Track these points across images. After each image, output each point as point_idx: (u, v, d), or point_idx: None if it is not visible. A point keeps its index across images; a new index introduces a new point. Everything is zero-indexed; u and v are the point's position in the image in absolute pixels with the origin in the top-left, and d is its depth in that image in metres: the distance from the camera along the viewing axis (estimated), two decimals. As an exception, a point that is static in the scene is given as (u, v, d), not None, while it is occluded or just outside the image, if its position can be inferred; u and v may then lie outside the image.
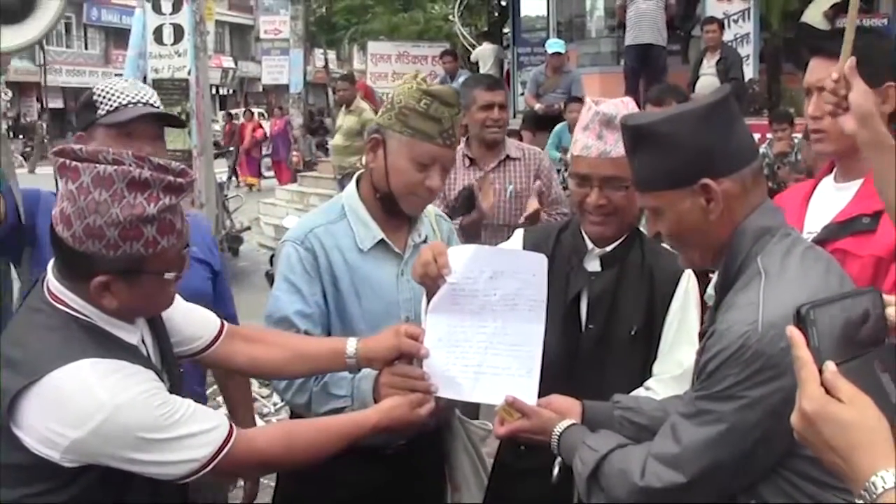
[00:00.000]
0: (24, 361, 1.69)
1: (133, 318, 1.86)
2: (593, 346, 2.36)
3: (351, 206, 2.48)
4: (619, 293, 2.37)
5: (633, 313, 2.35)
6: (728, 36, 11.08)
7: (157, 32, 6.40)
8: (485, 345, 2.17)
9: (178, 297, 1.96)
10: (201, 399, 2.77)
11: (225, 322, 2.16)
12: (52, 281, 1.79)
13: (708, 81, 9.98)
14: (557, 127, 9.69)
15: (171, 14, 6.35)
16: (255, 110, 27.80)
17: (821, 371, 1.22)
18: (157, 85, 6.40)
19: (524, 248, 2.46)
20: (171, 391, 1.83)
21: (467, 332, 2.17)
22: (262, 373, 2.34)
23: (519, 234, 2.57)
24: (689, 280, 2.35)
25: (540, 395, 2.19)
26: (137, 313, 1.87)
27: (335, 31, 27.59)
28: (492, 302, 2.16)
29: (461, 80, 12.66)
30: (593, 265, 2.41)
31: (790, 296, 1.60)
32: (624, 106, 2.33)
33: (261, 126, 21.47)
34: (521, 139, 5.96)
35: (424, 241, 2.50)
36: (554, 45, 10.99)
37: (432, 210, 2.66)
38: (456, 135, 2.38)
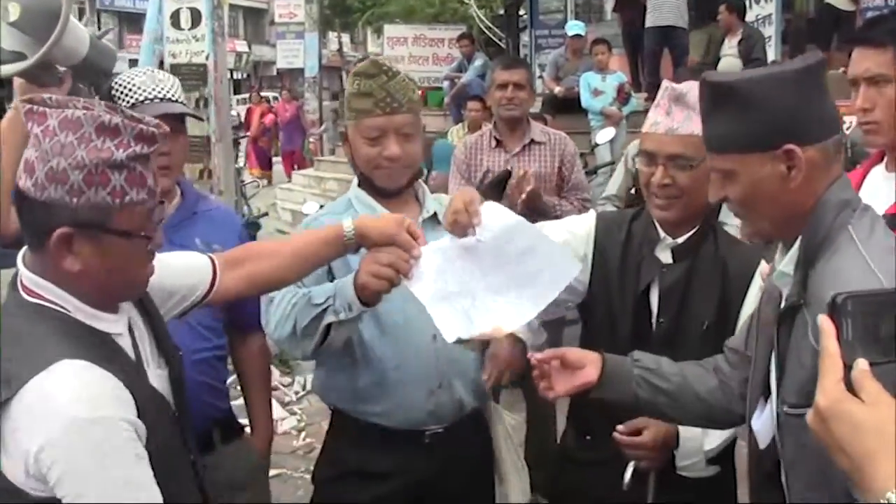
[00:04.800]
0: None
1: (111, 302, 1.71)
2: (664, 339, 2.31)
3: (357, 196, 2.52)
4: (691, 286, 2.32)
5: (706, 307, 2.30)
6: (750, 16, 10.91)
7: (175, 17, 6.31)
8: (474, 293, 2.12)
9: (162, 258, 1.82)
10: (223, 391, 2.72)
11: (213, 257, 2.03)
12: (22, 270, 1.65)
13: (729, 62, 9.84)
14: (584, 74, 9.75)
15: (188, -2, 6.27)
16: (268, 94, 27.37)
17: (850, 368, 1.12)
18: (175, 70, 6.31)
19: (597, 233, 2.45)
20: (172, 376, 1.77)
21: (465, 274, 2.12)
22: (266, 286, 2.16)
23: (592, 216, 2.55)
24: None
25: None
26: (109, 288, 1.68)
27: (350, 13, 27.49)
28: (506, 269, 2.11)
29: (477, 62, 12.68)
30: (665, 255, 2.35)
31: (892, 260, 1.51)
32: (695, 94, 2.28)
33: (271, 111, 20.42)
34: (545, 122, 5.88)
35: (434, 216, 2.49)
36: (574, 27, 10.92)
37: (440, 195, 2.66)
38: (397, 100, 2.38)
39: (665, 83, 2.32)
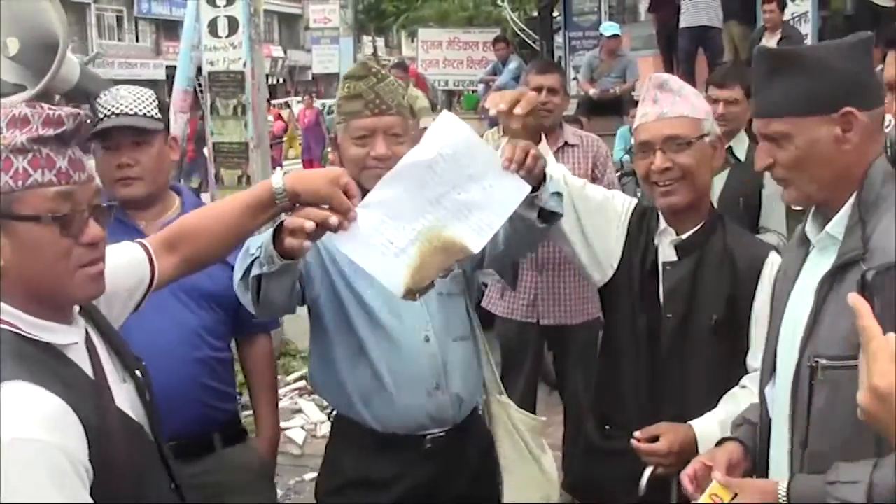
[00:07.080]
0: None
1: (54, 306, 1.58)
2: (674, 334, 2.34)
3: None
4: (698, 281, 2.34)
5: (714, 302, 2.32)
6: (786, 15, 10.82)
7: (212, 25, 6.38)
8: (414, 234, 2.00)
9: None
10: (227, 394, 2.72)
11: (145, 243, 1.95)
12: None
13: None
14: (620, 129, 9.60)
15: (225, 6, 6.32)
16: (288, 99, 26.66)
17: None
18: (213, 78, 6.42)
19: (630, 219, 2.48)
20: (139, 389, 1.71)
21: (407, 218, 2.00)
22: (202, 266, 2.06)
23: (632, 202, 2.57)
24: (772, 267, 2.28)
25: (625, 379, 2.37)
26: (40, 288, 1.55)
27: (384, 18, 27.56)
28: (451, 199, 2.02)
29: (512, 65, 12.69)
30: (669, 252, 2.38)
31: None
32: (676, 80, 2.38)
33: (280, 118, 19.51)
34: (581, 126, 5.88)
35: None
36: (609, 28, 10.91)
37: None
38: (386, 102, 2.36)
39: (650, 76, 2.41)
